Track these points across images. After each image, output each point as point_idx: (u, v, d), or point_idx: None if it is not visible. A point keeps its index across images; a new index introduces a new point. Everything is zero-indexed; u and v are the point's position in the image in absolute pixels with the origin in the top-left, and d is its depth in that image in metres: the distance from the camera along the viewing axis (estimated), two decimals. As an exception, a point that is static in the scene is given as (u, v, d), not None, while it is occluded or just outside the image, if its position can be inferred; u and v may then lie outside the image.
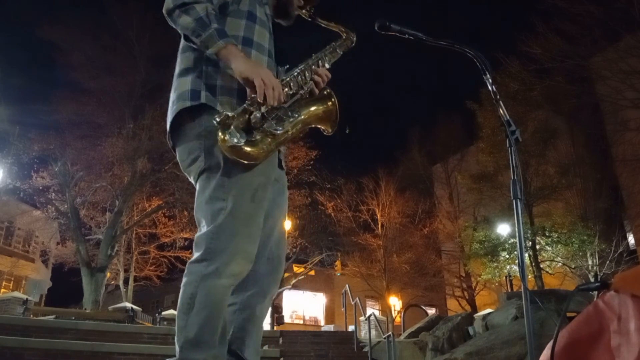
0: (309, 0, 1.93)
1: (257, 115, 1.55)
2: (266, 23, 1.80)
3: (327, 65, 1.81)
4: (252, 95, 1.55)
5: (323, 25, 1.90)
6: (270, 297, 1.78)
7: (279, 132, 1.58)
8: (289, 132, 1.62)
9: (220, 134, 1.50)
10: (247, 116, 1.55)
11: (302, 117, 1.66)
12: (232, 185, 1.57)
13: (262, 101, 1.55)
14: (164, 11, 1.64)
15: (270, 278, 1.76)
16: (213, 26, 1.55)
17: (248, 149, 1.52)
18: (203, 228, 1.59)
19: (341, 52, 1.88)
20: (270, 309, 1.87)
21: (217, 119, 1.51)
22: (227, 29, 1.66)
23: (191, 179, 1.69)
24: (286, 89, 1.65)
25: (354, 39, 1.89)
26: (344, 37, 1.88)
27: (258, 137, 1.55)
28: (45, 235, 23.01)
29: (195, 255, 1.57)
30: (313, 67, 1.76)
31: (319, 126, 1.79)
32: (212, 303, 1.51)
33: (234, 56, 1.55)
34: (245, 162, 1.54)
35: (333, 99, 1.75)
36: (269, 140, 1.57)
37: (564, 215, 17.24)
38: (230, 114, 1.53)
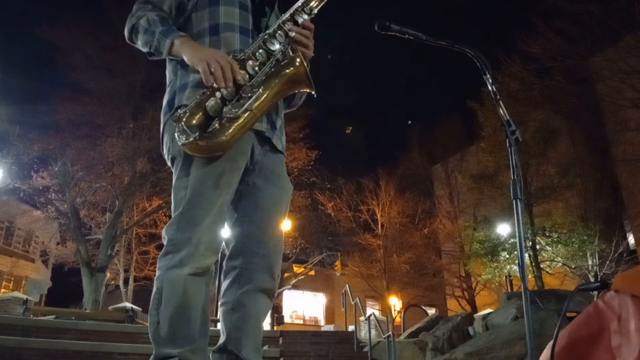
0: None
1: (213, 102, 1.44)
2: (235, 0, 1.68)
3: (305, 17, 1.60)
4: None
5: None
6: (265, 294, 1.65)
7: (239, 114, 1.42)
8: (254, 111, 1.45)
9: (175, 133, 1.44)
10: (203, 107, 1.45)
11: (267, 90, 1.47)
12: (192, 172, 1.50)
13: (209, 86, 1.45)
14: (128, 41, 1.64)
15: (264, 275, 1.64)
16: (157, 30, 1.53)
17: (204, 143, 1.41)
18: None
19: None
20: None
21: (174, 118, 1.45)
22: (194, 26, 1.65)
23: None
24: (250, 61, 1.52)
25: None
26: None
27: (217, 125, 1.43)
28: (45, 235, 23.02)
29: (164, 248, 1.52)
30: (286, 25, 1.58)
31: (297, 91, 1.65)
32: (178, 294, 1.45)
33: (183, 49, 1.51)
34: (207, 155, 1.46)
35: (299, 59, 1.52)
36: (232, 125, 1.43)
37: (564, 215, 17.22)
38: (181, 110, 1.46)
